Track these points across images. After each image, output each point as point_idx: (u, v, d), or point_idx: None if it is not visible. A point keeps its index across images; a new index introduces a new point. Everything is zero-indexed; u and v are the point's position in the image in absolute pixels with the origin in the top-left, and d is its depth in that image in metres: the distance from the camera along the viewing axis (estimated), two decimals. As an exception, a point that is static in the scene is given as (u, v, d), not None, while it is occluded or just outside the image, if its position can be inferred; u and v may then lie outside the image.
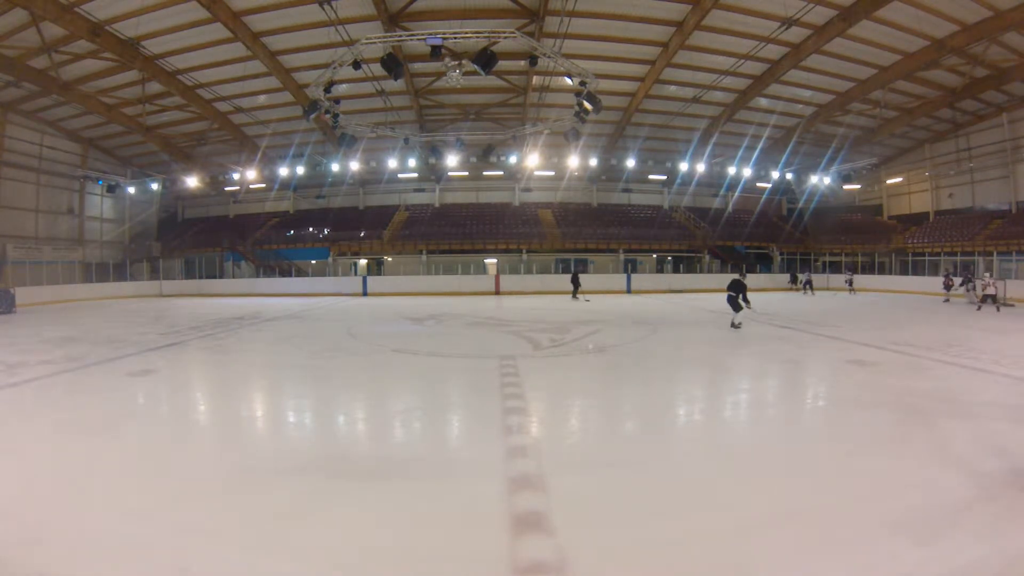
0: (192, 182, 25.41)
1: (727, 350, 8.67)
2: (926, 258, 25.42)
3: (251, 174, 25.08)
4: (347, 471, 3.59)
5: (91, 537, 2.63)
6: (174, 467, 3.65)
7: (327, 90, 16.00)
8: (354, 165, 24.91)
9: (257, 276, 28.27)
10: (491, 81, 20.72)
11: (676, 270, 28.62)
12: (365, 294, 24.87)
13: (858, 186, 31.62)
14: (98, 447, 4.07)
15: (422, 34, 14.57)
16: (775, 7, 16.54)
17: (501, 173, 31.19)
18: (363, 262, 29.53)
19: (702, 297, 21.13)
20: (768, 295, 22.53)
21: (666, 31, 18.85)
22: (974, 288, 16.77)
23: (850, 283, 23.94)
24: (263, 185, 30.15)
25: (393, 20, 17.34)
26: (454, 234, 28.92)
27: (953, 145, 26.74)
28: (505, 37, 14.54)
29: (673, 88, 22.79)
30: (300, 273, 29.08)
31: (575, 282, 20.76)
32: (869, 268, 27.89)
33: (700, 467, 3.64)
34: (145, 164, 29.03)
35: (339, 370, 7.21)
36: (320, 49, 18.52)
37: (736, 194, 31.41)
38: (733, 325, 10.83)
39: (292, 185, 30.81)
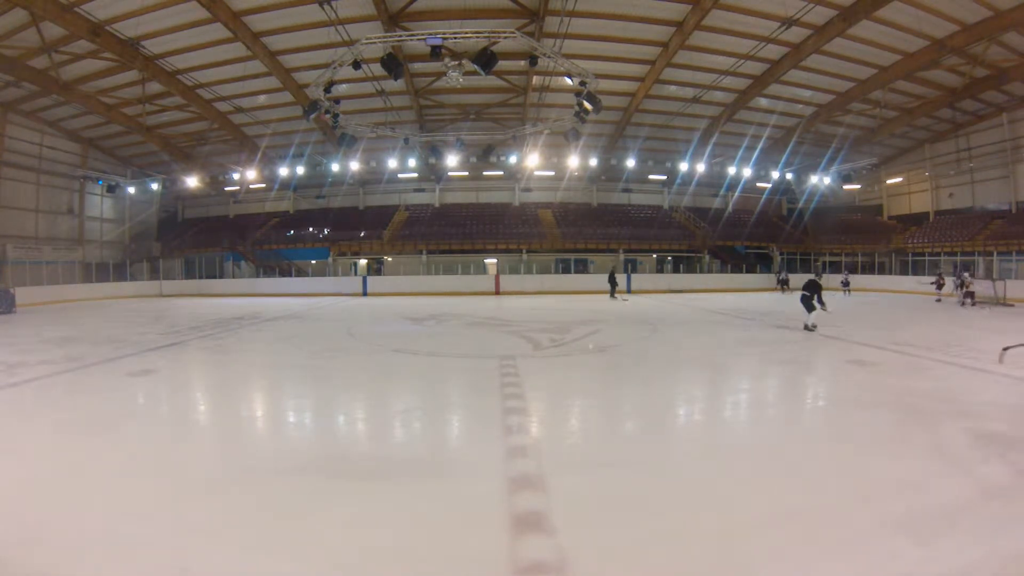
0: (192, 182, 25.41)
1: (727, 350, 8.67)
2: (926, 258, 25.42)
3: (251, 174, 25.09)
4: (347, 471, 3.58)
5: (91, 537, 2.63)
6: (174, 467, 3.64)
7: (327, 90, 16.00)
8: (354, 165, 24.92)
9: (257, 276, 28.28)
10: (491, 81, 20.72)
11: (676, 270, 28.64)
12: (365, 294, 24.88)
13: (858, 186, 31.63)
14: (98, 447, 4.07)
15: (422, 34, 14.57)
16: (775, 7, 16.55)
17: (501, 173, 31.19)
18: (363, 262, 29.54)
19: (702, 297, 21.14)
20: (764, 295, 22.56)
21: (666, 31, 18.85)
22: (960, 286, 17.11)
23: (846, 284, 23.76)
24: (263, 185, 30.16)
25: (393, 20, 17.35)
26: (454, 234, 28.92)
27: (953, 145, 26.75)
28: (505, 37, 14.54)
29: (673, 88, 22.80)
30: (300, 273, 29.08)
31: (612, 281, 20.90)
32: (869, 268, 27.90)
33: (700, 467, 3.64)
34: (145, 164, 29.03)
35: (339, 370, 7.21)
36: (320, 49, 18.52)
37: (736, 194, 31.42)
38: (807, 327, 10.28)
39: (292, 185, 30.82)
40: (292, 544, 2.59)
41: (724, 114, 24.48)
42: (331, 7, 15.93)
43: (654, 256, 29.92)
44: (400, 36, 16.19)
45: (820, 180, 26.83)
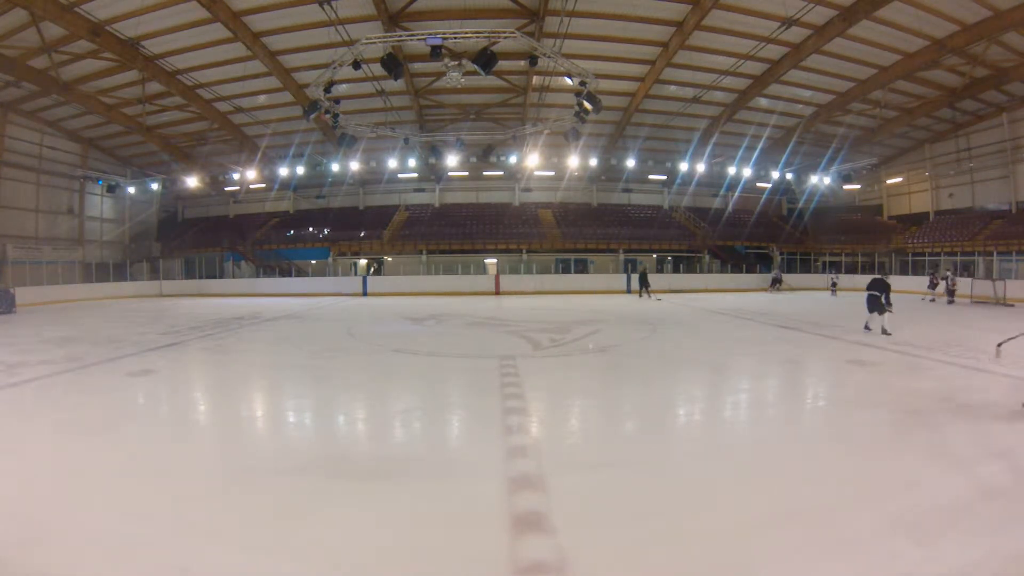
0: (192, 182, 25.40)
1: (727, 350, 8.67)
2: (926, 258, 25.42)
3: (251, 174, 25.07)
4: (347, 471, 3.59)
5: (91, 537, 2.63)
6: (174, 467, 3.64)
7: (327, 90, 16.00)
8: (354, 165, 24.90)
9: (257, 276, 28.27)
10: (491, 81, 20.72)
11: (676, 270, 28.64)
12: (365, 294, 24.88)
13: (858, 186, 31.63)
14: (98, 447, 4.07)
15: (422, 34, 14.57)
16: (775, 7, 16.55)
17: (501, 173, 31.19)
18: (363, 262, 29.53)
19: (702, 297, 21.14)
20: (764, 295, 22.57)
21: (666, 31, 18.85)
22: (947, 284, 17.52)
23: (834, 285, 23.69)
24: (263, 185, 30.16)
25: (393, 20, 17.35)
26: (454, 234, 28.92)
27: (953, 145, 26.75)
28: (505, 37, 14.53)
29: (673, 88, 22.80)
30: (300, 273, 29.07)
31: (643, 281, 20.94)
32: (869, 268, 27.88)
33: (700, 467, 3.64)
34: (145, 164, 29.03)
35: (339, 370, 7.21)
36: (320, 49, 18.52)
37: (736, 194, 31.39)
38: (884, 332, 9.34)
39: (292, 185, 30.82)
40: (292, 544, 2.59)
41: (724, 114, 24.48)
42: (331, 7, 15.93)
43: (654, 256, 29.92)
44: (400, 36, 16.19)
45: (820, 180, 26.82)
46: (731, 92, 23.00)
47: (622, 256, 28.35)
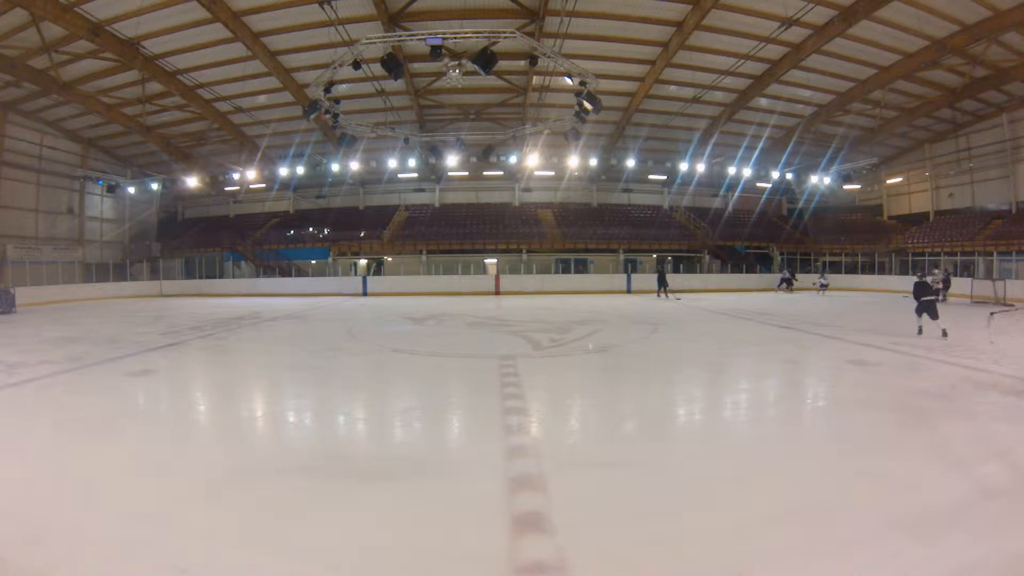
0: (192, 182, 25.41)
1: (727, 350, 8.67)
2: (926, 258, 25.41)
3: (251, 174, 25.07)
4: (347, 471, 3.59)
5: (91, 537, 2.63)
6: (174, 467, 3.64)
7: (327, 90, 15.99)
8: (354, 165, 24.91)
9: (257, 276, 28.26)
10: (491, 81, 20.71)
11: (676, 270, 28.60)
12: (365, 294, 24.87)
13: (858, 186, 31.63)
14: (98, 447, 4.07)
15: (422, 34, 14.57)
16: (775, 7, 16.55)
17: (501, 173, 31.18)
18: (363, 262, 29.52)
19: (702, 297, 21.13)
20: (764, 295, 22.55)
21: (666, 31, 18.85)
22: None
23: (824, 285, 23.63)
24: (263, 185, 30.15)
25: (393, 20, 17.35)
26: (454, 234, 28.92)
27: (953, 145, 26.75)
28: (505, 37, 14.54)
29: (673, 88, 22.80)
30: (300, 273, 29.07)
31: (662, 281, 21.02)
32: (869, 268, 27.91)
33: (700, 467, 3.64)
34: (145, 164, 29.04)
35: (339, 370, 7.21)
36: (320, 49, 18.51)
37: (736, 194, 31.37)
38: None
39: (292, 185, 30.83)
40: (292, 544, 2.59)
41: (724, 114, 24.47)
42: (331, 7, 15.92)
43: (654, 256, 29.91)
44: (400, 36, 16.19)
45: (820, 180, 26.82)
46: (731, 92, 23.00)
47: (622, 256, 28.35)
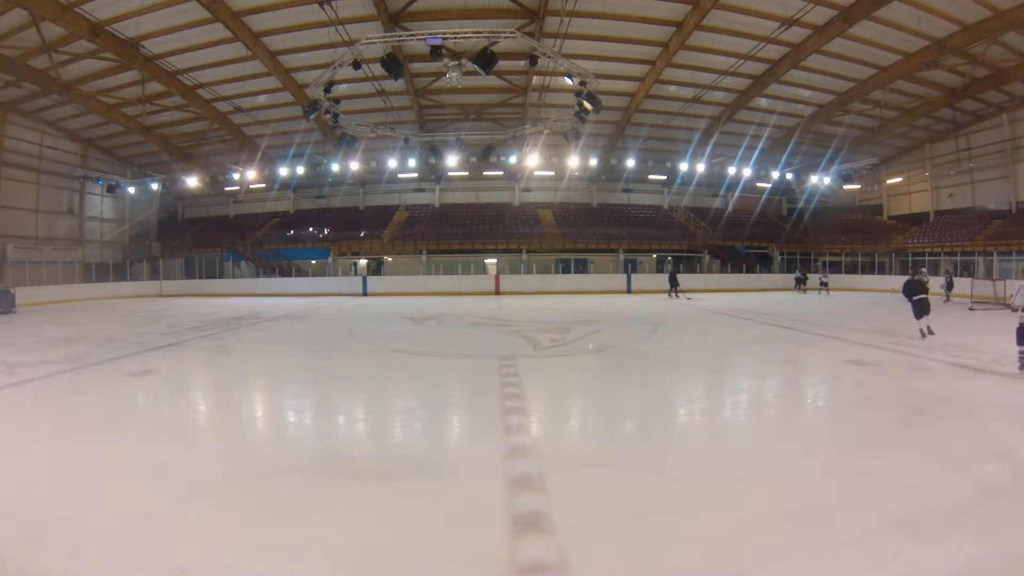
0: (192, 182, 25.42)
1: (727, 350, 8.67)
2: (926, 258, 25.42)
3: (251, 174, 25.09)
4: (347, 471, 3.59)
5: (91, 537, 2.63)
6: (174, 467, 3.64)
7: (327, 90, 15.99)
8: (354, 165, 24.92)
9: (257, 276, 28.26)
10: (491, 81, 20.70)
11: (676, 270, 28.60)
12: (365, 294, 24.87)
13: (858, 186, 31.60)
14: (98, 447, 4.07)
15: (422, 34, 14.57)
16: (775, 7, 16.54)
17: (501, 173, 31.17)
18: (363, 262, 29.53)
19: (702, 297, 21.13)
20: (765, 295, 22.55)
21: (666, 31, 18.84)
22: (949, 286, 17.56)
23: (824, 284, 23.69)
24: (263, 185, 30.15)
25: (393, 20, 17.34)
26: (454, 234, 28.92)
27: (953, 145, 26.73)
28: (505, 37, 14.54)
29: (673, 88, 22.79)
30: (300, 273, 29.07)
31: (673, 281, 21.21)
32: (869, 268, 27.91)
33: (700, 467, 3.64)
34: (145, 164, 29.02)
35: (339, 370, 7.21)
36: (320, 49, 18.51)
37: (736, 194, 31.38)
38: (926, 332, 8.99)
39: (292, 185, 30.82)
40: (292, 544, 2.59)
41: (724, 114, 24.47)
42: (331, 7, 15.91)
43: (654, 256, 29.92)
44: (400, 36, 16.19)
45: (820, 180, 26.81)
46: (731, 92, 22.99)
47: (622, 256, 28.35)
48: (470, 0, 16.71)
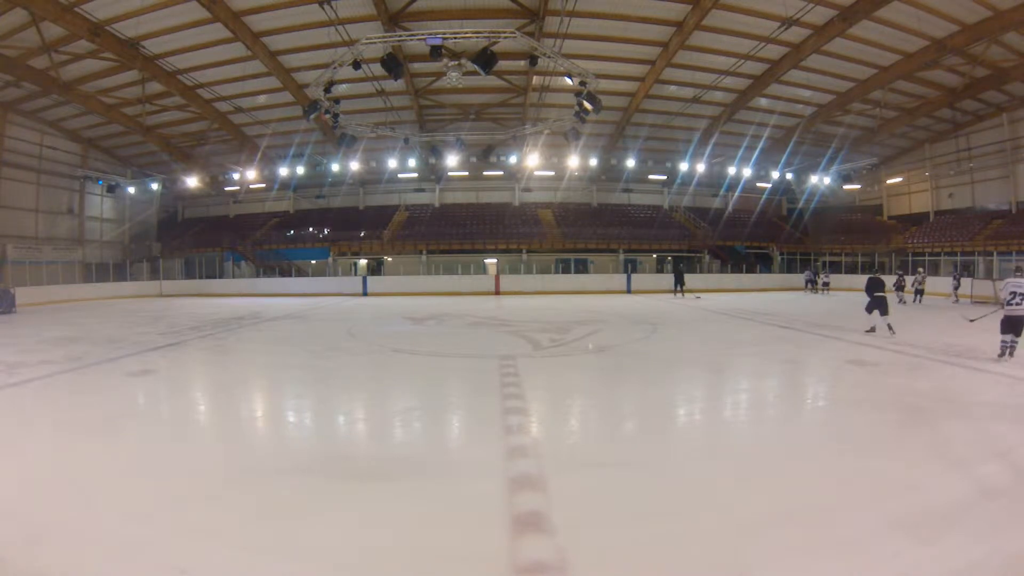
0: (192, 182, 25.42)
1: (727, 350, 8.67)
2: (926, 258, 25.42)
3: (251, 174, 25.08)
4: (347, 471, 3.59)
5: (91, 537, 2.63)
6: (174, 467, 3.64)
7: (327, 90, 15.99)
8: (354, 165, 24.92)
9: (257, 276, 28.25)
10: (491, 81, 20.70)
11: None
12: (365, 294, 24.87)
13: (858, 186, 31.61)
14: (98, 447, 4.07)
15: (422, 34, 14.57)
16: (775, 7, 16.54)
17: (501, 173, 31.18)
18: (363, 262, 29.53)
19: (702, 297, 21.12)
20: (764, 295, 22.55)
21: (666, 31, 18.84)
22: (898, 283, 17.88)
23: (826, 284, 23.61)
24: (263, 185, 30.16)
25: (393, 20, 17.34)
26: (454, 234, 28.92)
27: (953, 145, 26.73)
28: (505, 37, 14.53)
29: (673, 88, 22.79)
30: (300, 273, 29.07)
31: (680, 280, 21.39)
32: (869, 268, 27.87)
33: (700, 467, 3.64)
34: (145, 164, 29.02)
35: (339, 370, 7.21)
36: (320, 49, 18.50)
37: (736, 194, 31.39)
38: (881, 329, 9.43)
39: (292, 185, 30.82)
40: (292, 544, 2.59)
41: (724, 114, 24.47)
42: (331, 7, 15.91)
43: (654, 256, 29.91)
44: (400, 36, 16.19)
45: (820, 180, 26.81)
46: (731, 92, 22.99)
47: (622, 256, 28.34)
48: (470, 0, 16.71)
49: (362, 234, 28.84)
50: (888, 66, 19.99)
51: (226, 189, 31.12)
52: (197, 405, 5.79)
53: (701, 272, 28.60)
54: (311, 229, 29.77)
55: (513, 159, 25.06)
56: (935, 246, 25.82)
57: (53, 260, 24.34)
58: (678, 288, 21.36)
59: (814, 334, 10.04)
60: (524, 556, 2.45)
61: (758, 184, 29.55)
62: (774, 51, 19.52)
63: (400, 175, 30.05)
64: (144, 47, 18.33)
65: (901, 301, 17.74)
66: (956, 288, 18.40)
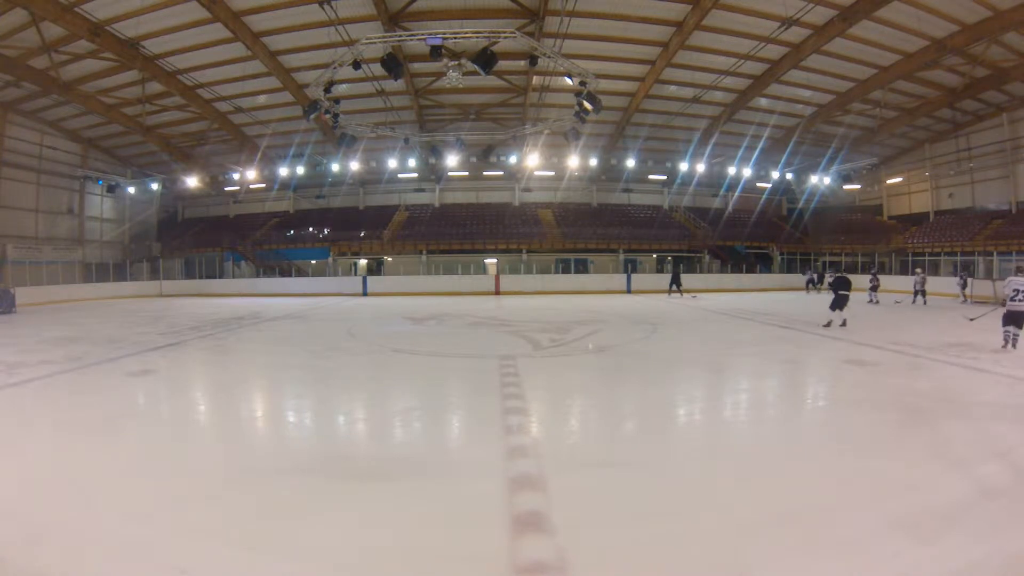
0: (192, 182, 25.41)
1: (727, 350, 8.67)
2: (926, 258, 25.42)
3: (251, 174, 25.08)
4: (347, 471, 3.59)
5: (91, 537, 2.63)
6: (174, 467, 3.65)
7: (327, 90, 15.99)
8: (354, 165, 24.92)
9: (257, 276, 28.25)
10: (491, 81, 20.71)
11: (679, 269, 28.61)
12: (365, 294, 24.87)
13: (858, 186, 31.61)
14: (98, 447, 4.07)
15: (422, 34, 14.57)
16: (775, 7, 16.54)
17: (501, 173, 31.18)
18: (363, 262, 29.53)
19: (702, 297, 21.13)
20: (764, 295, 22.54)
21: (666, 31, 18.85)
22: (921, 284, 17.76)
23: (831, 284, 23.67)
24: (263, 185, 30.16)
25: (393, 20, 17.34)
26: (454, 234, 28.92)
27: (953, 145, 26.73)
28: (505, 37, 14.53)
29: (673, 88, 22.79)
30: (300, 273, 29.07)
31: (676, 280, 21.51)
32: (869, 268, 27.87)
33: (700, 467, 3.64)
34: (145, 164, 29.02)
35: (339, 370, 7.21)
36: (320, 49, 18.51)
37: (736, 194, 31.39)
38: (844, 324, 10.79)
39: (292, 185, 30.83)
40: (292, 544, 2.59)
41: (724, 114, 24.47)
42: (331, 7, 15.91)
43: (654, 256, 29.92)
44: (400, 36, 16.19)
45: (820, 180, 26.81)
46: (731, 92, 23.00)
47: (622, 256, 28.34)
48: (470, 0, 16.71)
49: (362, 234, 28.84)
50: (888, 66, 19.99)
51: (226, 189, 31.12)
52: (197, 405, 5.79)
53: (701, 272, 28.61)
54: (311, 229, 29.77)
55: (513, 159, 25.07)
56: (935, 246, 25.81)
57: (53, 260, 24.34)
58: (673, 288, 21.39)
59: (814, 334, 10.04)
60: (524, 556, 2.45)
61: (758, 184, 29.55)
62: (774, 51, 19.52)
63: (400, 175, 30.05)
64: (144, 47, 18.33)
65: (871, 301, 17.91)
66: (964, 287, 18.27)
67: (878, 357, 7.48)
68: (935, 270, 24.54)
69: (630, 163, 25.12)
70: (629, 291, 24.84)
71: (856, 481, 3.29)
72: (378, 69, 16.07)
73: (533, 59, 15.51)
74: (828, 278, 23.81)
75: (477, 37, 14.67)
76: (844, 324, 10.74)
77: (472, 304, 18.38)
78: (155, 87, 21.01)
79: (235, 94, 22.10)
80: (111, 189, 26.79)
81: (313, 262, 29.03)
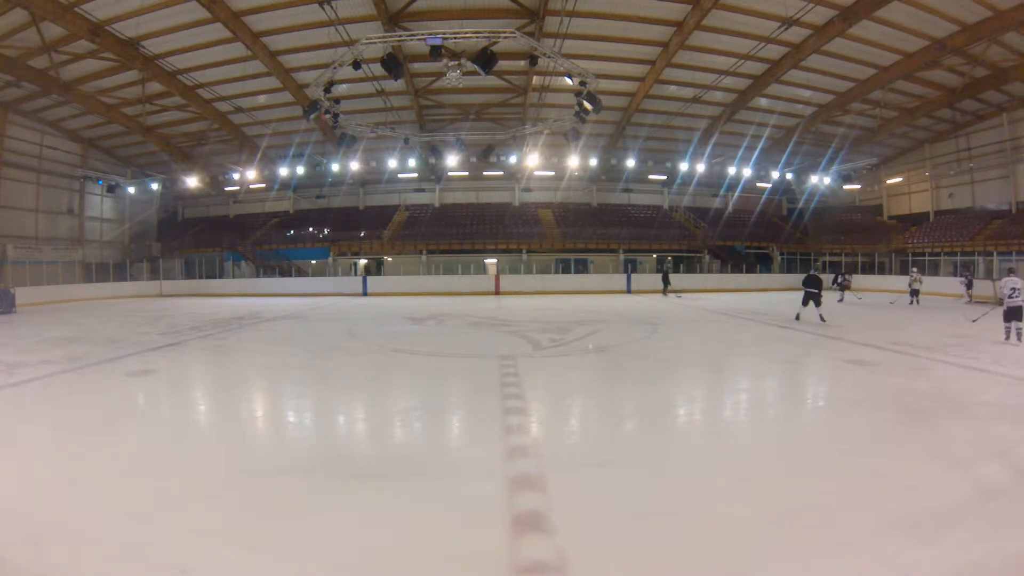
0: (192, 182, 25.40)
1: (727, 350, 8.67)
2: (926, 258, 25.42)
3: (251, 174, 25.07)
4: (347, 471, 3.59)
5: (91, 537, 2.63)
6: (174, 467, 3.65)
7: (327, 90, 15.99)
8: (354, 165, 24.92)
9: (257, 276, 28.26)
10: (491, 81, 20.71)
11: (676, 270, 28.61)
12: (365, 294, 24.87)
13: (858, 186, 31.61)
14: (98, 447, 4.07)
15: (422, 34, 14.56)
16: (775, 7, 16.54)
17: (501, 173, 31.19)
18: (363, 262, 29.53)
19: (702, 297, 21.14)
20: (764, 295, 22.54)
21: (666, 31, 18.84)
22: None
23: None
24: (263, 185, 30.17)
25: (393, 20, 17.34)
26: (454, 234, 28.92)
27: (953, 145, 26.73)
28: (505, 37, 14.53)
29: (673, 88, 22.79)
30: (300, 273, 29.08)
31: (666, 280, 21.76)
32: (869, 268, 27.92)
33: (700, 467, 3.64)
34: (145, 164, 29.03)
35: (339, 370, 7.21)
36: (320, 49, 18.51)
37: (736, 194, 31.40)
38: (822, 319, 11.56)
39: (292, 185, 30.84)
40: (292, 544, 2.59)
41: (724, 114, 24.47)
42: (331, 7, 15.91)
43: (654, 256, 29.92)
44: (400, 36, 16.18)
45: (820, 180, 26.81)
46: (731, 92, 23.00)
47: (622, 256, 28.35)
48: (470, 0, 16.71)
49: (362, 234, 28.84)
50: (888, 66, 19.99)
51: (226, 189, 31.13)
52: (197, 405, 5.79)
53: (701, 272, 28.62)
54: (311, 229, 29.78)
55: (513, 159, 25.07)
56: (935, 246, 25.81)
57: (53, 260, 24.34)
58: (665, 288, 21.58)
59: (814, 334, 10.04)
60: (524, 556, 2.45)
61: (758, 184, 29.55)
62: (774, 51, 19.52)
63: (400, 175, 30.06)
64: (144, 47, 18.33)
65: (841, 300, 18.08)
66: (968, 287, 18.13)
67: (878, 357, 7.48)
68: (935, 270, 24.55)
69: (630, 163, 25.12)
70: (629, 291, 24.84)
71: (856, 481, 3.29)
72: (378, 69, 16.07)
73: (533, 59, 15.51)
74: (840, 279, 23.93)
75: (477, 37, 14.67)
76: (822, 319, 11.59)
77: (472, 304, 18.38)
78: (155, 87, 21.01)
79: (235, 94, 22.09)
80: (111, 189, 26.79)
81: (313, 262, 29.04)
